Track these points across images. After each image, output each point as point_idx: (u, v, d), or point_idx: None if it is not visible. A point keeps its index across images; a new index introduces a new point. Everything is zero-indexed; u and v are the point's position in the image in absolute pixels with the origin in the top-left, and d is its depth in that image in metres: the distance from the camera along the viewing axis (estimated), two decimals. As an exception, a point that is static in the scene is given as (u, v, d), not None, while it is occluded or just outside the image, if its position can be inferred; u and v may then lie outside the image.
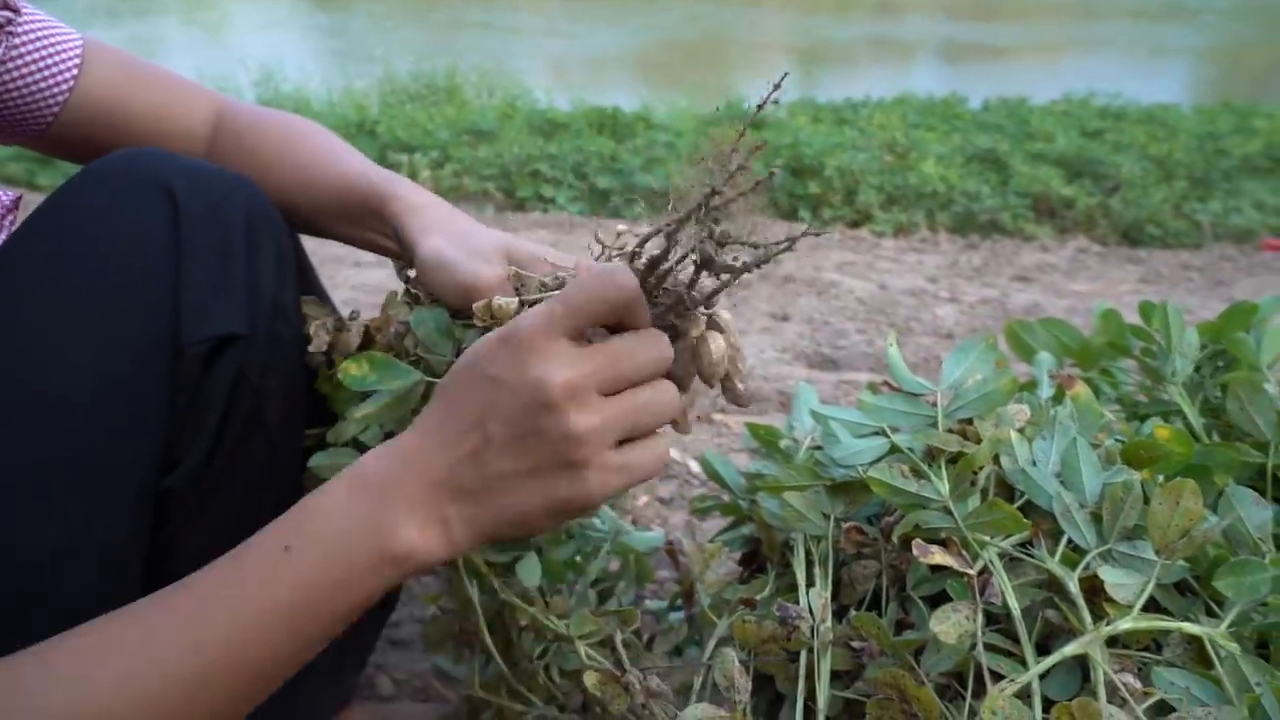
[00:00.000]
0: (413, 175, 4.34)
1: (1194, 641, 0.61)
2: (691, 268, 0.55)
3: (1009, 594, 0.61)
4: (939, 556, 0.60)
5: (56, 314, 0.59)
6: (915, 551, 0.60)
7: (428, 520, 0.51)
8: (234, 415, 0.65)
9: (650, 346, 0.54)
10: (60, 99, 0.76)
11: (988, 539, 0.66)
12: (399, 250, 0.72)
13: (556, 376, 0.50)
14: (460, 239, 0.68)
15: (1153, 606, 0.64)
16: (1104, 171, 4.30)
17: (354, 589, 0.50)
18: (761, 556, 0.90)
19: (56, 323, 0.59)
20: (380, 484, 0.51)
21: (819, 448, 0.84)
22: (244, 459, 0.67)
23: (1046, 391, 0.93)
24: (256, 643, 0.49)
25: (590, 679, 0.67)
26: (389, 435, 0.67)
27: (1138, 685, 0.56)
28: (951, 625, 0.58)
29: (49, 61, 0.75)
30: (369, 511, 0.50)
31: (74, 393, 0.57)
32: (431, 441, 0.51)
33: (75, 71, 0.76)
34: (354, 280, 2.87)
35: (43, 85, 0.76)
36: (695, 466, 1.56)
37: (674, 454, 1.60)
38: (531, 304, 0.61)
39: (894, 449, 0.75)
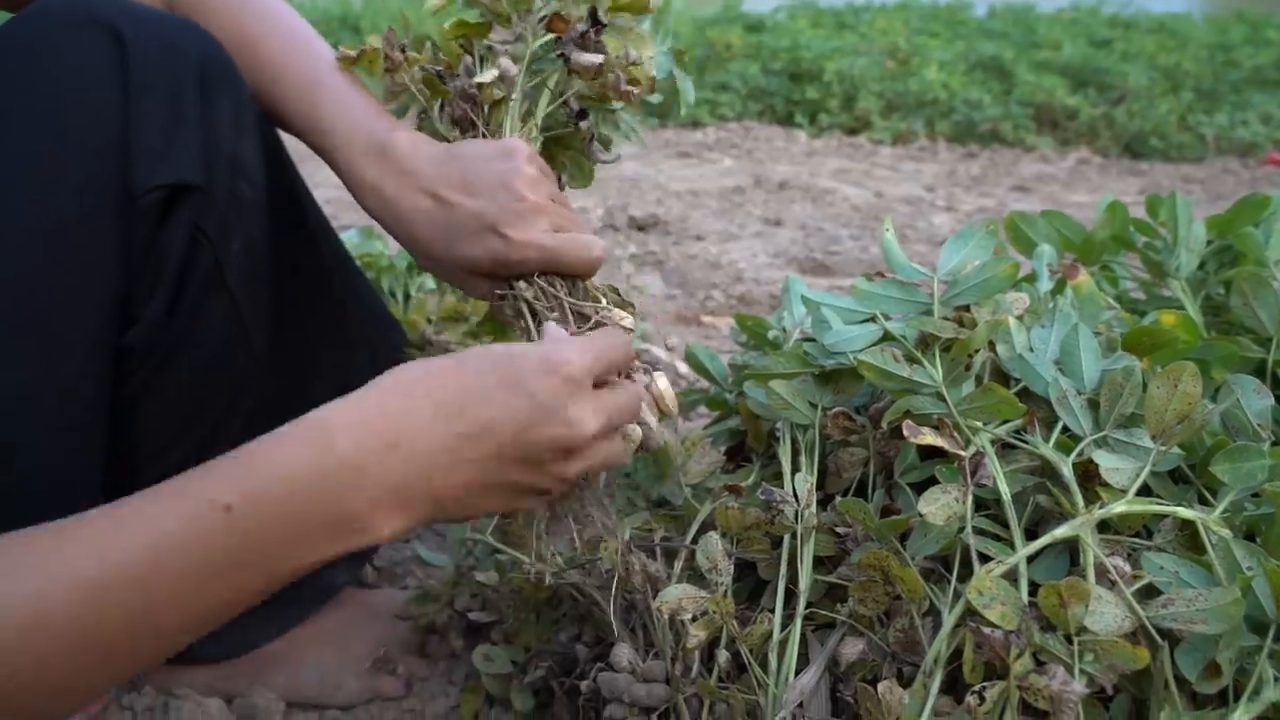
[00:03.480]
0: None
1: (1185, 528, 0.60)
2: None
3: (999, 478, 0.60)
4: (930, 437, 0.58)
5: None
6: (906, 432, 0.58)
7: (398, 515, 0.48)
8: (192, 272, 0.61)
9: (637, 395, 0.60)
10: None
11: (980, 425, 0.64)
12: None
13: (591, 425, 0.53)
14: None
15: (1145, 495, 0.62)
16: (1110, 82, 4.18)
17: (297, 561, 0.46)
18: (747, 449, 0.88)
19: None
20: (355, 468, 0.46)
21: (809, 339, 0.81)
22: (205, 321, 0.64)
23: (1045, 285, 0.90)
24: (185, 592, 0.44)
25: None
26: None
27: (1127, 569, 0.55)
28: (940, 506, 0.57)
29: None
30: (335, 498, 0.45)
31: (18, 240, 0.54)
32: (437, 439, 0.48)
33: None
34: (335, 180, 2.79)
35: None
36: (684, 368, 1.54)
37: (661, 354, 1.57)
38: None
39: (887, 336, 0.72)
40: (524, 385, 0.51)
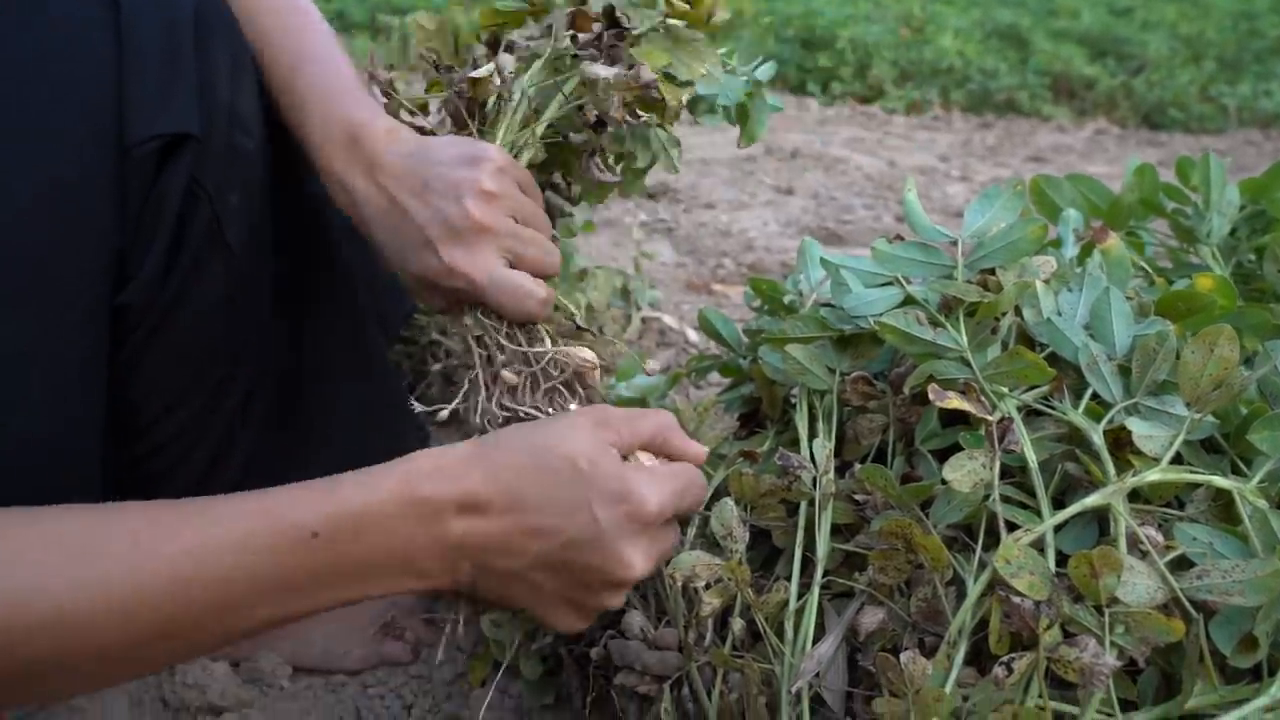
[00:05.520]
0: (404, 40, 4.13)
1: (1219, 499, 0.58)
2: None
3: (1026, 445, 0.58)
4: (957, 401, 0.56)
5: None
6: (932, 396, 0.56)
7: (448, 574, 0.51)
8: (190, 228, 0.59)
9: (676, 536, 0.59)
10: None
11: (1006, 390, 0.62)
12: None
13: (640, 570, 0.53)
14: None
15: (1177, 464, 0.60)
16: (1129, 51, 4.11)
17: (361, 590, 0.50)
18: (761, 415, 0.86)
19: None
20: (428, 517, 0.50)
21: (826, 304, 0.79)
22: (204, 280, 0.62)
23: (1071, 251, 0.87)
24: (262, 598, 0.47)
25: None
26: None
27: (1160, 539, 0.53)
28: (966, 473, 0.55)
29: None
30: (412, 547, 0.49)
31: (10, 194, 0.52)
32: (497, 522, 0.50)
33: None
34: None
35: None
36: (694, 335, 1.52)
37: (671, 322, 1.55)
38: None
39: (909, 300, 0.70)
40: (589, 507, 0.51)
